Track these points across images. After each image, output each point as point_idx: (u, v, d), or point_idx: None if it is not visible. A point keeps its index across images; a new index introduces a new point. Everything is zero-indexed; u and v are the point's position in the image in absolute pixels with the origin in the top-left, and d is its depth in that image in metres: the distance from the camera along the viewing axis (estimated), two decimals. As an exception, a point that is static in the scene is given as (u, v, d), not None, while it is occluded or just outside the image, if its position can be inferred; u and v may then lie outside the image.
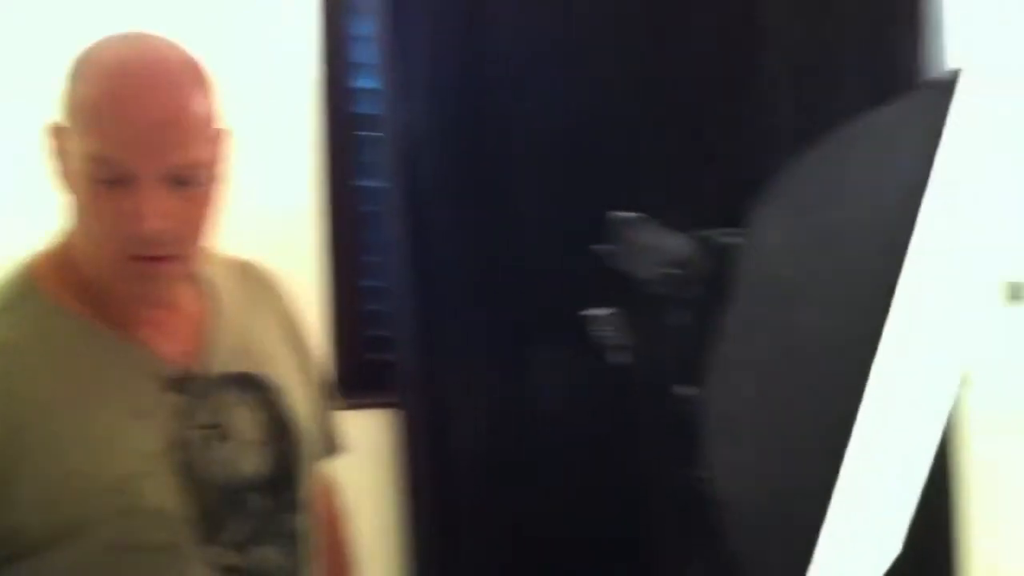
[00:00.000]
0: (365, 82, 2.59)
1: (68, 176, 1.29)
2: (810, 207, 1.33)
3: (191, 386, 1.35)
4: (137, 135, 1.24)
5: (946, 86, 1.08)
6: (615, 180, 2.52)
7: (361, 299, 2.64)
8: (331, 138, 2.56)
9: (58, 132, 1.29)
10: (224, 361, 1.39)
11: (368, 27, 2.55)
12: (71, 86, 1.28)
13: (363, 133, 2.60)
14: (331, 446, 1.59)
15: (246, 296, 1.49)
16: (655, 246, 1.89)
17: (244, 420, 1.38)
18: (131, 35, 1.32)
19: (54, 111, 1.29)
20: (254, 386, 1.41)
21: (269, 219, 2.40)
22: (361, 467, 2.43)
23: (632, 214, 1.89)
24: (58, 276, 1.34)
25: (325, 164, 2.55)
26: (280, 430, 1.41)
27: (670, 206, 1.80)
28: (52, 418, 1.28)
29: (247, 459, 1.37)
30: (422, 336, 2.53)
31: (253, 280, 1.52)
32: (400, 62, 2.49)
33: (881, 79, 2.61)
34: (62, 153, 1.29)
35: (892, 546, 1.48)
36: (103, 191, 1.25)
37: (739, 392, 1.46)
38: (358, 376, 2.58)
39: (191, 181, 1.27)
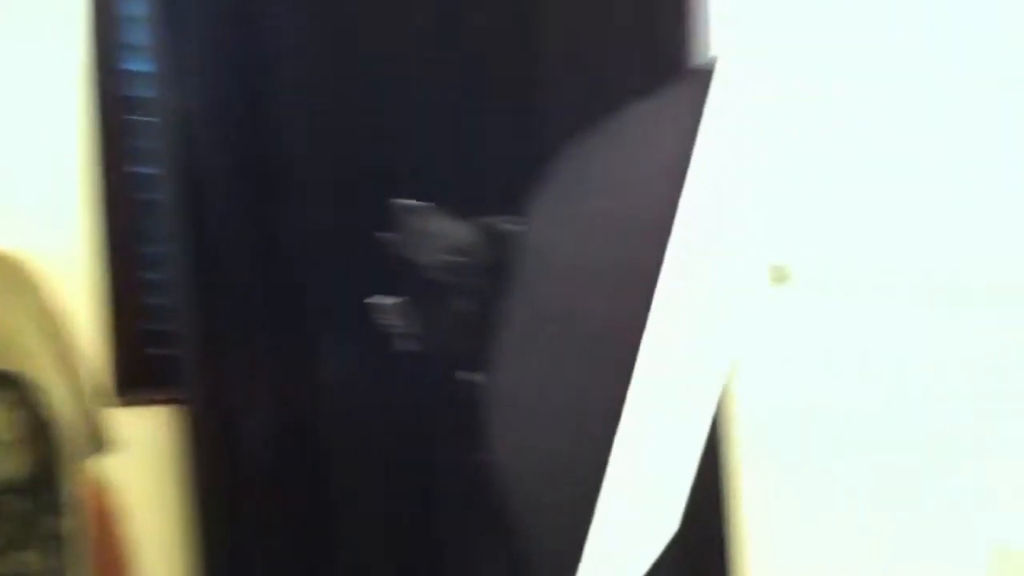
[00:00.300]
0: (137, 65, 2.49)
1: None
2: (583, 195, 1.35)
3: None
4: None
5: (706, 74, 1.11)
6: (398, 167, 2.51)
7: (139, 292, 2.55)
8: (102, 123, 2.45)
9: None
10: (-25, 359, 1.33)
11: (140, 7, 2.46)
12: None
13: (136, 117, 2.50)
14: (99, 444, 1.54)
15: (0, 290, 1.42)
16: (438, 233, 1.89)
17: None
18: None
19: None
20: (9, 384, 1.35)
21: (37, 209, 2.31)
22: (142, 465, 2.38)
23: (415, 201, 1.88)
24: None
25: (97, 150, 2.45)
26: (39, 429, 1.36)
27: (452, 193, 1.80)
28: None
29: (3, 461, 1.32)
30: (204, 329, 2.47)
31: (8, 273, 1.46)
32: (174, 43, 2.41)
33: (651, 68, 2.67)
34: None
35: (667, 528, 1.52)
36: None
37: (522, 378, 1.47)
38: (138, 372, 2.50)
39: None
